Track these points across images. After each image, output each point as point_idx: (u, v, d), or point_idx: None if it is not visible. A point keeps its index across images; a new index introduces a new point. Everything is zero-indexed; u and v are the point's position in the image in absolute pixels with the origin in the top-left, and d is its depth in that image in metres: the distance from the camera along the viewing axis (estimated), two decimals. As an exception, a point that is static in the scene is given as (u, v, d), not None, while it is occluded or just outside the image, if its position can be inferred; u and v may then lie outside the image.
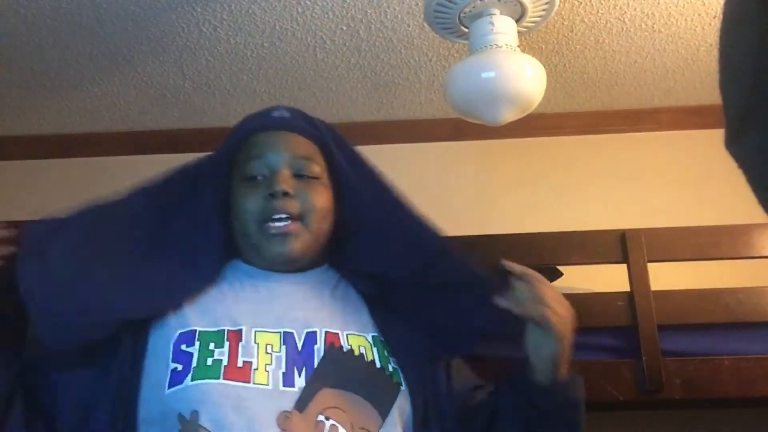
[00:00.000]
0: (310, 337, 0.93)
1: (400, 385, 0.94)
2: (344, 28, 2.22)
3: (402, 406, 0.93)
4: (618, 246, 1.73)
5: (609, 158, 2.82)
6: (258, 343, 0.90)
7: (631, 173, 2.78)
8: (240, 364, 0.88)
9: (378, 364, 0.94)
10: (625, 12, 2.16)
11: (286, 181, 0.96)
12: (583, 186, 2.77)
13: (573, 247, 1.79)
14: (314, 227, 0.99)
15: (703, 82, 2.60)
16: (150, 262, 0.97)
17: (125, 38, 2.25)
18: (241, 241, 1.02)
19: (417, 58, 2.41)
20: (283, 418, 0.85)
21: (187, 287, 0.96)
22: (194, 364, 0.87)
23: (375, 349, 0.95)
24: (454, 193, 2.78)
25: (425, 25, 2.05)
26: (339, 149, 1.05)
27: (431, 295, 1.03)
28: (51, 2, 2.06)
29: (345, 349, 0.93)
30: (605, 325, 1.69)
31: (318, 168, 1.01)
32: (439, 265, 1.04)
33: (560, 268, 2.02)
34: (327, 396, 0.88)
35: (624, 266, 1.71)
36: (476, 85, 1.78)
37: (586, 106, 2.79)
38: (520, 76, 1.76)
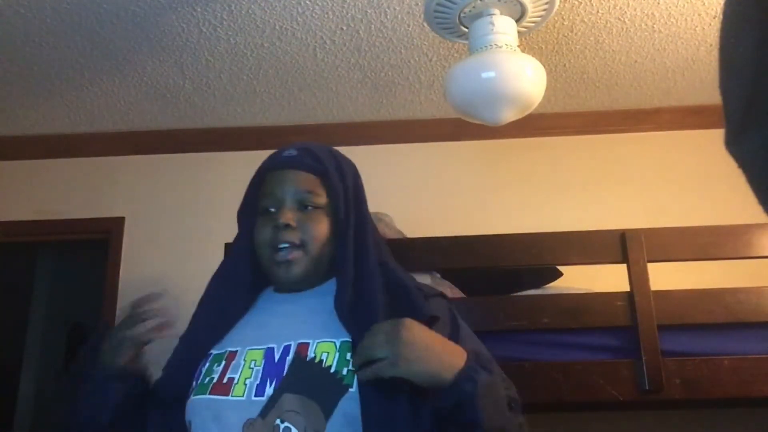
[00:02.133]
0: (286, 350, 1.02)
1: (350, 387, 0.98)
2: (344, 28, 2.22)
3: (348, 407, 0.96)
4: (618, 246, 1.73)
5: (609, 158, 2.81)
6: (245, 360, 1.03)
7: (631, 173, 2.78)
8: (225, 380, 1.02)
9: (333, 368, 1.00)
10: (625, 12, 2.16)
11: (288, 214, 1.10)
12: (583, 186, 2.77)
13: (573, 247, 1.78)
14: (314, 253, 1.11)
15: (703, 82, 2.59)
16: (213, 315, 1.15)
17: (125, 38, 2.25)
18: (263, 269, 1.15)
19: (417, 58, 2.41)
20: (248, 425, 0.96)
21: (230, 320, 1.12)
22: (198, 381, 1.04)
23: (338, 354, 1.01)
24: (454, 193, 2.78)
25: (425, 25, 2.05)
26: (342, 182, 1.16)
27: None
28: (51, 2, 2.06)
29: (308, 358, 1.01)
30: (605, 325, 1.69)
31: (319, 199, 1.13)
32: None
33: (560, 268, 2.02)
34: (287, 401, 0.97)
35: (624, 266, 1.71)
36: (476, 85, 1.77)
37: (586, 106, 2.79)
38: (520, 76, 1.76)
